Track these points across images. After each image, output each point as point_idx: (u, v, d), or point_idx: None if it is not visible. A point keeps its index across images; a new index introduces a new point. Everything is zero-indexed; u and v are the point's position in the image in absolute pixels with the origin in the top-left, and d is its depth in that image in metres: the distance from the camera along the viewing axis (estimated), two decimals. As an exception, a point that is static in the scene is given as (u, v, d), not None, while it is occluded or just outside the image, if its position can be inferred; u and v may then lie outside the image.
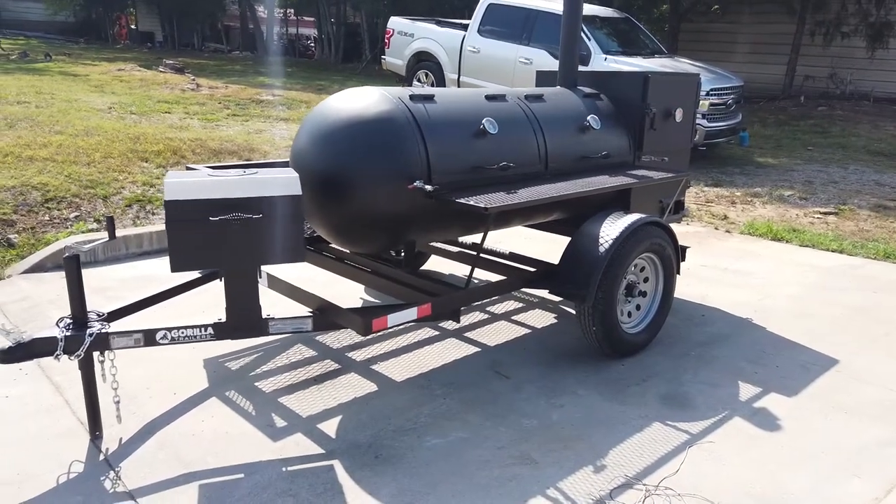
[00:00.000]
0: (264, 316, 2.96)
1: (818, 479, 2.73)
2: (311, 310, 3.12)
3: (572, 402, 3.24)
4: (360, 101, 3.18)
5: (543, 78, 4.53)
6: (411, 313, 2.98)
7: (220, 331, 2.92)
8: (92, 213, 5.91)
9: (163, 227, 5.79)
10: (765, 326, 4.21)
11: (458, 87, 10.80)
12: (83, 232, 5.58)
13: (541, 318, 4.29)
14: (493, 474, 2.69)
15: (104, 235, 3.04)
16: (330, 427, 3.02)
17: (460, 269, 5.03)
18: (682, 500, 2.56)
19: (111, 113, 9.27)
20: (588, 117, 3.85)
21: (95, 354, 2.83)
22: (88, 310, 2.83)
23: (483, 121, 3.34)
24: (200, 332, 2.89)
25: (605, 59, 9.34)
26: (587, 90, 4.16)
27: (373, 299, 4.53)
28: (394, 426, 3.02)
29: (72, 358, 2.74)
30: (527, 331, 4.10)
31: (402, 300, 3.24)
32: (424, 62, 11.63)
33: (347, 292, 4.55)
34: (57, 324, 2.79)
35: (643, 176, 3.74)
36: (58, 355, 2.69)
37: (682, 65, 9.84)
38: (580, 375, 3.52)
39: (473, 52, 10.74)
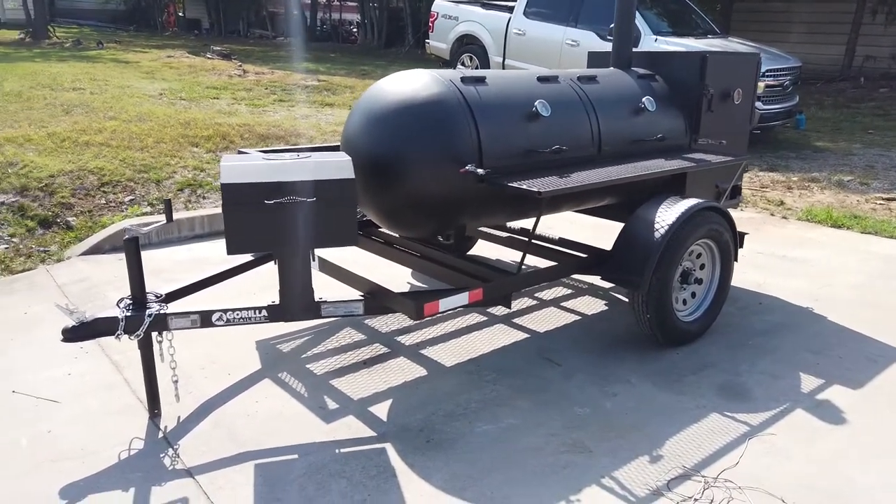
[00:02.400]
0: (316, 299, 2.97)
1: (889, 474, 2.62)
2: (361, 293, 3.12)
3: (626, 391, 3.18)
4: (411, 83, 3.15)
5: (596, 59, 4.42)
6: (462, 298, 2.96)
7: (274, 313, 2.94)
8: (146, 197, 6.03)
9: (214, 210, 5.89)
10: (826, 316, 4.06)
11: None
12: (138, 215, 5.70)
13: (590, 305, 4.22)
14: (545, 462, 2.66)
15: (161, 219, 3.08)
16: (381, 410, 3.03)
17: (508, 254, 4.98)
18: (743, 493, 2.49)
19: (162, 99, 9.45)
20: (643, 99, 3.75)
21: (154, 335, 2.89)
22: (147, 291, 2.88)
23: (535, 103, 3.27)
24: (255, 314, 2.92)
25: (656, 39, 9.10)
26: (641, 71, 4.04)
27: (420, 283, 4.52)
28: (444, 411, 3.01)
29: (132, 338, 2.80)
30: (576, 317, 4.04)
31: (452, 285, 3.22)
32: (469, 46, 11.53)
33: (394, 276, 4.55)
34: (117, 304, 2.85)
35: (700, 159, 3.63)
36: (118, 335, 2.75)
37: (736, 45, 9.52)
38: (633, 364, 3.45)
39: (519, 35, 10.59)
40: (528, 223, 3.90)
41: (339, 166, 2.68)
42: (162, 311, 2.82)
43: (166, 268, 4.87)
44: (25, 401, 3.10)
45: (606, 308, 4.18)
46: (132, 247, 2.77)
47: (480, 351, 3.60)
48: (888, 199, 6.93)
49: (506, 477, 2.57)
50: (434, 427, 2.89)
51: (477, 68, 11.40)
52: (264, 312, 2.93)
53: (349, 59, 18.51)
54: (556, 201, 3.44)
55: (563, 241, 3.96)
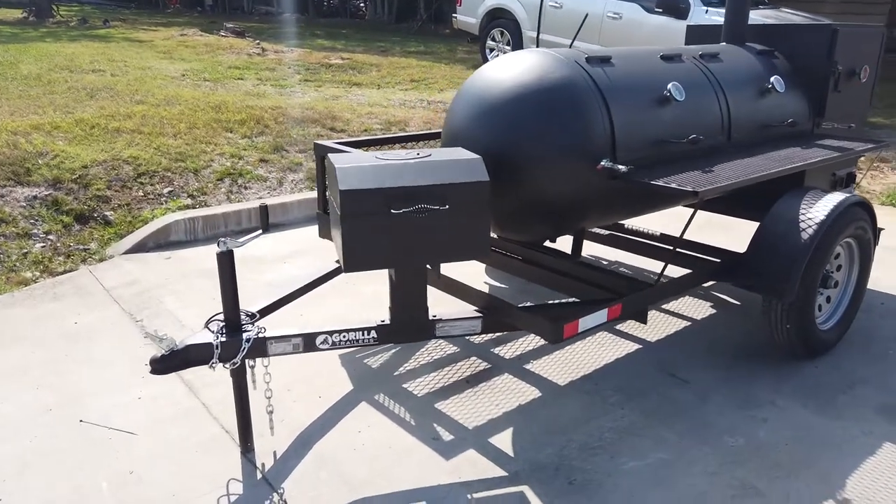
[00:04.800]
0: (430, 317, 2.59)
1: None
2: (478, 309, 2.73)
3: (775, 416, 2.81)
4: (531, 66, 2.73)
5: (697, 34, 3.98)
6: (602, 315, 2.57)
7: (384, 334, 2.56)
8: (185, 188, 5.62)
9: (261, 202, 5.48)
10: (960, 318, 3.68)
11: (538, 46, 10.17)
12: (179, 208, 5.30)
13: (697, 308, 3.84)
14: (716, 508, 2.29)
15: (257, 230, 2.68)
16: (503, 442, 2.66)
17: (605, 254, 4.59)
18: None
19: (185, 80, 8.98)
20: (771, 79, 3.32)
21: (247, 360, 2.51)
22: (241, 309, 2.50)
23: (668, 86, 2.86)
24: (363, 335, 2.54)
25: (707, 11, 8.61)
26: (759, 47, 3.61)
27: (495, 282, 4.13)
28: (577, 443, 2.64)
29: (227, 366, 2.42)
30: (686, 323, 3.65)
31: (574, 297, 2.83)
32: (499, 19, 11.00)
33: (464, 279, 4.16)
34: (207, 326, 2.47)
35: (843, 147, 3.22)
36: (213, 364, 2.38)
37: (788, 16, 9.01)
38: (770, 381, 3.07)
39: (555, 8, 10.07)
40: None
41: (472, 167, 2.28)
42: (261, 335, 2.44)
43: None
44: (96, 432, 2.73)
45: (715, 311, 3.79)
46: (226, 261, 2.38)
47: (592, 365, 3.22)
48: (970, 181, 6.50)
49: (674, 528, 2.21)
50: (572, 464, 2.52)
51: (509, 44, 10.89)
52: (373, 334, 2.55)
53: (362, 35, 17.91)
54: (683, 197, 3.04)
55: (684, 243, 3.54)
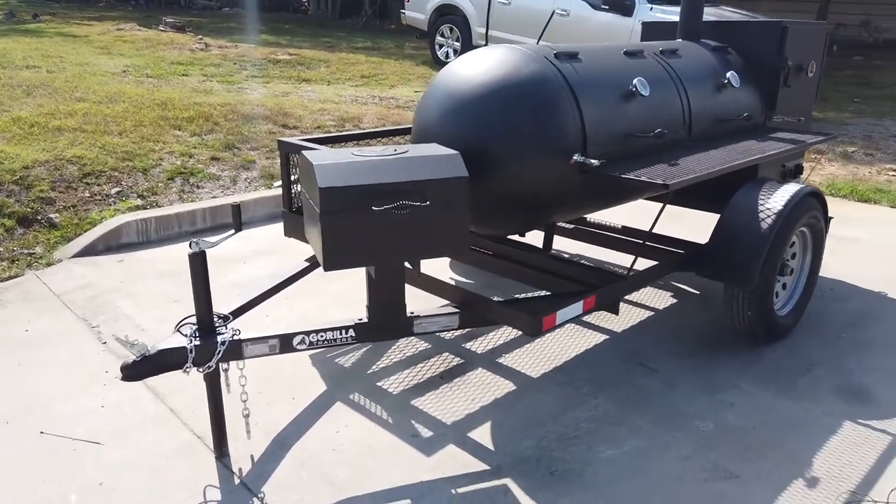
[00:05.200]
0: (408, 314, 2.58)
1: None
2: (455, 304, 2.74)
3: (742, 400, 2.91)
4: (503, 61, 2.74)
5: (652, 30, 4.07)
6: (577, 307, 2.61)
7: (362, 332, 2.54)
8: (134, 188, 5.43)
9: (214, 202, 5.34)
10: (902, 301, 3.89)
11: (486, 43, 10.23)
12: (129, 208, 5.12)
13: (658, 298, 3.94)
14: (695, 492, 2.36)
15: (229, 230, 2.61)
16: (482, 436, 2.67)
17: (567, 247, 4.64)
18: (920, 517, 2.25)
19: (127, 77, 8.67)
20: (727, 74, 3.43)
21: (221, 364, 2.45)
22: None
23: (634, 81, 2.91)
24: (340, 335, 2.51)
25: (651, 8, 8.83)
26: (713, 44, 3.72)
27: (460, 277, 4.15)
28: (555, 434, 2.67)
29: (201, 370, 2.35)
30: (649, 312, 3.74)
31: (546, 290, 2.87)
32: (448, 16, 11.02)
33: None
34: (177, 329, 2.40)
35: (796, 140, 3.35)
36: (187, 368, 2.31)
37: (727, 13, 9.33)
38: (734, 366, 3.18)
39: (504, 4, 10.14)
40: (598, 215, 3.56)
41: (451, 163, 2.28)
42: (236, 338, 2.38)
43: (178, 269, 4.35)
44: (60, 443, 2.62)
45: (676, 300, 3.90)
46: (198, 262, 2.31)
47: (563, 357, 3.27)
48: (901, 171, 6.87)
49: (656, 513, 2.27)
50: (552, 455, 2.55)
51: (458, 40, 10.92)
52: (351, 332, 2.52)
53: (307, 30, 17.64)
54: (644, 190, 3.11)
55: (648, 235, 3.61)
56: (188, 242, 2.32)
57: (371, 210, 2.14)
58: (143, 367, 2.25)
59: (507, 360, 3.25)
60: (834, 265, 4.38)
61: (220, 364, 2.44)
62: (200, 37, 12.84)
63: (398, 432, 2.69)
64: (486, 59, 2.78)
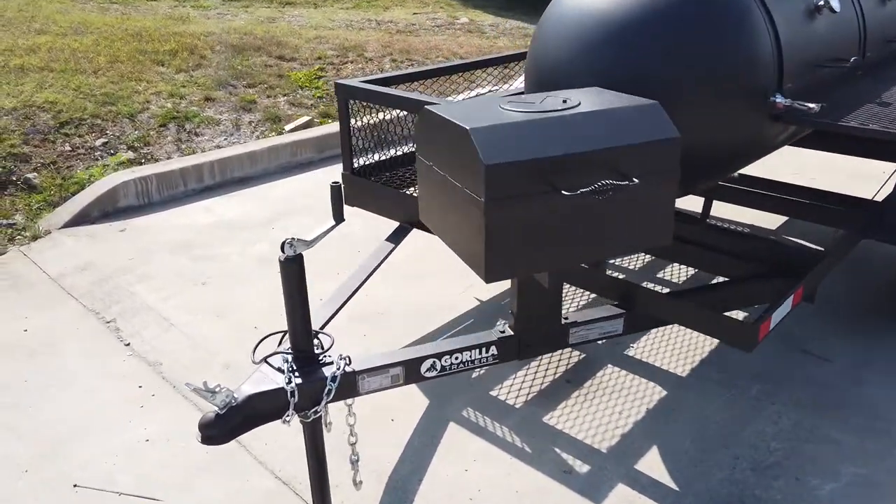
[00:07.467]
0: (563, 321, 1.93)
1: None
2: (616, 304, 2.08)
3: (952, 397, 2.36)
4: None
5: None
6: (787, 305, 1.97)
7: (507, 349, 1.88)
8: (122, 139, 4.58)
9: (221, 154, 4.52)
10: None
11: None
12: (121, 163, 4.29)
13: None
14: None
15: (329, 222, 1.86)
16: (655, 468, 2.07)
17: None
18: None
19: (89, 2, 7.54)
20: (897, -15, 2.73)
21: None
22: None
23: (826, -6, 2.20)
24: (481, 354, 1.85)
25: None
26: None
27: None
28: (747, 461, 2.09)
29: (306, 418, 1.69)
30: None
31: (721, 275, 2.23)
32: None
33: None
34: (266, 360, 1.71)
35: None
36: (287, 417, 1.64)
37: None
38: (916, 348, 2.62)
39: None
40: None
41: (655, 117, 1.57)
42: (349, 369, 1.71)
43: (193, 239, 3.61)
44: (102, 501, 1.96)
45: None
46: (294, 270, 1.61)
47: (701, 345, 2.67)
48: None
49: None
50: (754, 493, 1.97)
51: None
52: (493, 350, 1.86)
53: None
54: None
55: (808, 192, 2.92)
56: (280, 244, 1.60)
57: (560, 195, 1.44)
58: (229, 423, 1.57)
59: (636, 352, 2.64)
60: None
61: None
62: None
63: (544, 468, 2.08)
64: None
